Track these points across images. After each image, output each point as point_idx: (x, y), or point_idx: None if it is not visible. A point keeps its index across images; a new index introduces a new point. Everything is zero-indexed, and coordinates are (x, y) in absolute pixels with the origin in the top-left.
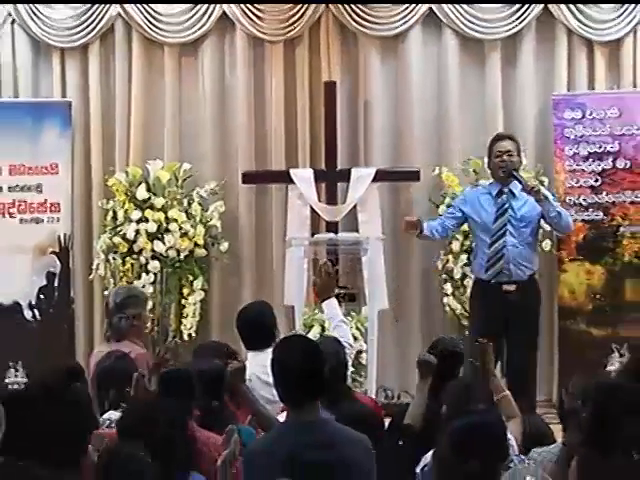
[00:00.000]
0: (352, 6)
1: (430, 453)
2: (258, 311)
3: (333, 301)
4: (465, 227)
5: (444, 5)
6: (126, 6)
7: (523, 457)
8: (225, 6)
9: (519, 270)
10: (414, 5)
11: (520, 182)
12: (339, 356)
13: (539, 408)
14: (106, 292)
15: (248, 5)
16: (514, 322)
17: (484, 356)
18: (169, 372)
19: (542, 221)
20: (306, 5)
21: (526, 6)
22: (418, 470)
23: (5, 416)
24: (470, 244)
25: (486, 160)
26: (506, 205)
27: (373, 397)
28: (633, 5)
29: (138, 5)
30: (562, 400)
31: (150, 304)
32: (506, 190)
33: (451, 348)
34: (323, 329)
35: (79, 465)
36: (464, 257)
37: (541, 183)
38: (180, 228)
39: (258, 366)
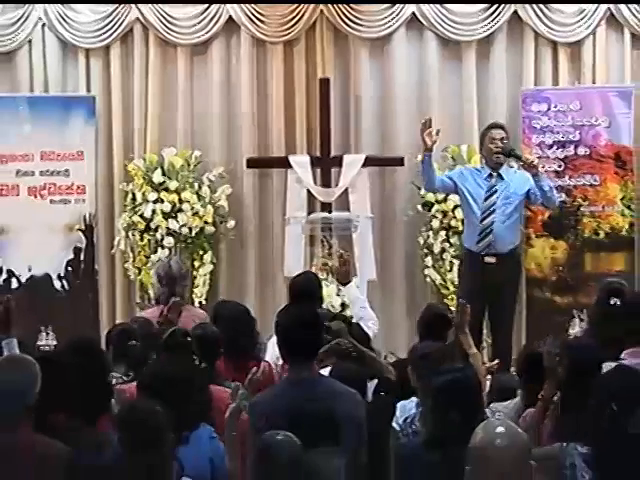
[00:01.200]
0: (344, 11)
1: (405, 403)
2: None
3: (352, 285)
4: (444, 206)
5: (425, 10)
6: (143, 11)
7: (496, 407)
8: (231, 11)
9: (503, 245)
10: (399, 10)
11: (519, 158)
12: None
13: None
14: (127, 265)
15: (252, 10)
16: (495, 291)
17: (461, 316)
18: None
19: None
20: (303, 10)
21: (498, 11)
22: (401, 421)
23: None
24: (448, 222)
25: (473, 147)
26: (496, 186)
27: None
28: (593, 10)
29: (154, 10)
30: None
31: None
32: (495, 174)
33: (441, 312)
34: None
35: (102, 418)
36: (443, 233)
37: (510, 167)
38: (192, 208)
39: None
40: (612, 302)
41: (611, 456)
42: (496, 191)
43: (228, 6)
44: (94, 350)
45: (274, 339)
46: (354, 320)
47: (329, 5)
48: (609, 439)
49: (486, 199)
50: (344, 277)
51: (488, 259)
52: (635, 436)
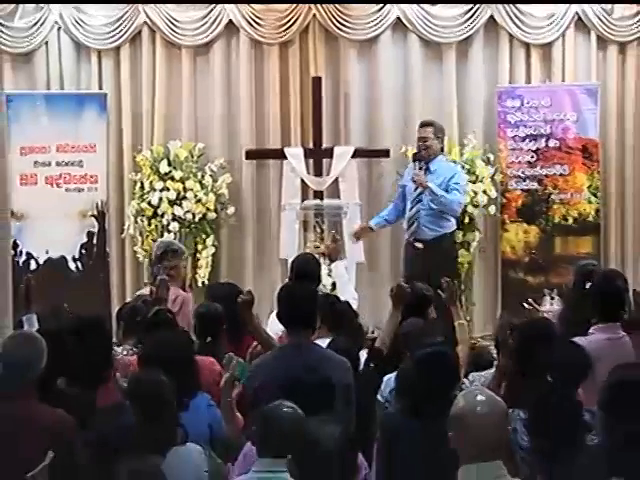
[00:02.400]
0: (335, 15)
1: (391, 376)
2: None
3: (340, 263)
4: None
5: (409, 14)
6: (150, 14)
7: (474, 377)
8: (231, 15)
9: (427, 231)
10: (385, 14)
11: (429, 171)
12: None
13: (485, 341)
14: (136, 247)
15: (250, 14)
16: (425, 274)
17: (449, 290)
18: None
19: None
20: (297, 14)
21: (476, 15)
22: (386, 393)
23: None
24: None
25: (453, 140)
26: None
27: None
28: (562, 15)
29: (161, 14)
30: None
31: None
32: (424, 167)
33: (422, 292)
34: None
35: (103, 386)
36: None
37: (488, 160)
38: (195, 196)
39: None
40: (587, 286)
41: (545, 422)
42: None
43: (228, 10)
44: (98, 325)
45: (274, 314)
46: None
47: (321, 9)
48: (543, 407)
49: (415, 190)
50: (335, 254)
51: (417, 244)
52: (567, 405)
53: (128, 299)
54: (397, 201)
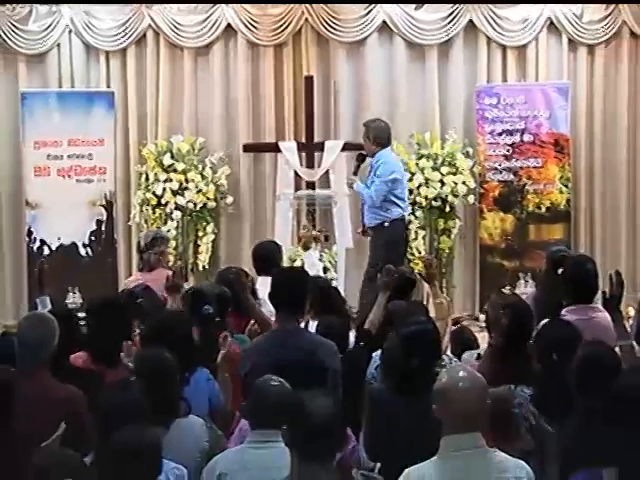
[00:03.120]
0: (326, 19)
1: (378, 353)
2: (268, 247)
3: (314, 253)
4: (409, 185)
5: (395, 18)
6: (155, 18)
7: (451, 356)
8: (230, 18)
9: (369, 220)
10: (372, 18)
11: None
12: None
13: (466, 321)
14: (141, 234)
15: (247, 18)
16: (374, 257)
17: (428, 269)
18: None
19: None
20: (291, 18)
21: (456, 19)
22: (372, 370)
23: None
24: (414, 198)
25: (435, 134)
26: (371, 173)
27: None
28: (536, 19)
29: (164, 18)
30: (487, 312)
31: (173, 244)
32: (368, 161)
33: (407, 275)
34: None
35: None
36: (409, 208)
37: (467, 153)
38: (196, 186)
39: (265, 287)
40: (559, 272)
41: (550, 396)
42: (368, 176)
43: (227, 14)
44: (119, 305)
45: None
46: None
47: (313, 14)
48: (548, 382)
49: (366, 182)
50: (309, 243)
51: (367, 232)
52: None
53: None
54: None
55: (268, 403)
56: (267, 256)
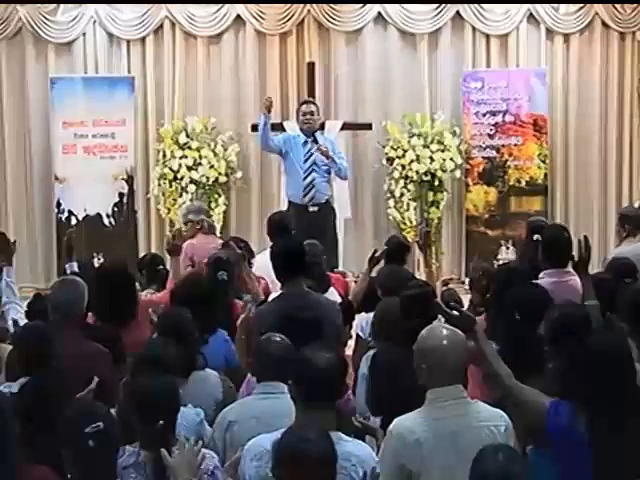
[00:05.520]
0: (327, 10)
1: (363, 314)
2: (282, 216)
3: None
4: (403, 160)
5: (389, 10)
6: (171, 10)
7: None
8: (239, 10)
9: (321, 196)
10: (368, 10)
11: (316, 142)
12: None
13: (452, 283)
14: (159, 206)
15: (255, 10)
16: (319, 232)
17: (423, 238)
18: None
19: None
20: (294, 10)
21: (444, 10)
22: (359, 331)
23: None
24: (406, 173)
25: (426, 115)
26: (312, 151)
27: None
28: (517, 11)
29: (180, 10)
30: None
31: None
32: (310, 139)
33: (401, 241)
34: None
35: (129, 322)
36: (402, 182)
37: (454, 132)
38: (209, 162)
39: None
40: (535, 238)
41: (514, 353)
42: (312, 154)
43: (236, 6)
44: (124, 269)
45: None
46: None
47: (315, 6)
48: (513, 340)
49: (305, 161)
50: None
51: (312, 208)
52: (531, 338)
53: (153, 249)
54: (273, 139)
55: (270, 357)
56: (281, 224)
